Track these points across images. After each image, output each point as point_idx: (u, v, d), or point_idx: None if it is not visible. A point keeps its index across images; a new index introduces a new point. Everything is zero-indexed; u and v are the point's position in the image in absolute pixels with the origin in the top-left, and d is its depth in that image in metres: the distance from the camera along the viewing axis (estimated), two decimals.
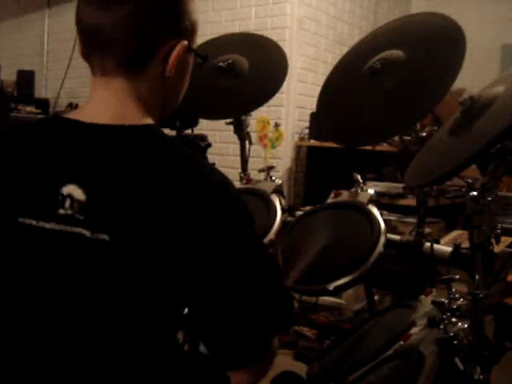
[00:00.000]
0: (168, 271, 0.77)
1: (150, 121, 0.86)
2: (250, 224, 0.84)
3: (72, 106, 4.65)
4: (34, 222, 0.80)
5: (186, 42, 0.87)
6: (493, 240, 1.17)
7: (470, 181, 1.15)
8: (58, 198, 0.79)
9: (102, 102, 0.86)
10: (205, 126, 2.96)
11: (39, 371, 0.81)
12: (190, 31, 0.88)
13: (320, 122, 1.76)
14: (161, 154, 0.81)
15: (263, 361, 0.85)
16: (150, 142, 0.82)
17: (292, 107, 3.96)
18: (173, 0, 0.86)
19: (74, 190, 0.79)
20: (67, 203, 0.78)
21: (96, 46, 0.84)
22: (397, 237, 1.50)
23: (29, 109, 4.93)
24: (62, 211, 0.79)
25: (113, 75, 0.85)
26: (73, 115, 0.85)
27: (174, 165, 0.80)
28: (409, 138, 1.44)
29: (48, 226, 0.79)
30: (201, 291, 0.79)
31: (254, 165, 1.91)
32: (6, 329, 0.84)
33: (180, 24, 0.86)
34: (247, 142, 1.85)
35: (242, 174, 1.81)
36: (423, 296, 1.26)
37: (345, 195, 1.53)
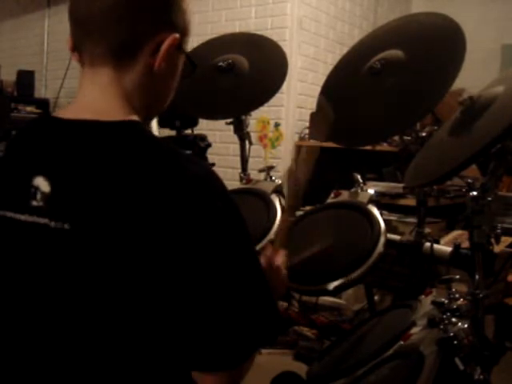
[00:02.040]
0: (134, 265, 0.74)
1: (133, 117, 0.85)
2: (231, 220, 0.80)
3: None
4: (11, 214, 0.82)
5: (177, 35, 0.85)
6: (493, 240, 1.17)
7: (470, 181, 1.15)
8: (30, 191, 0.80)
9: (86, 96, 0.86)
10: (205, 126, 2.97)
11: (8, 365, 0.82)
12: (182, 29, 0.87)
13: (320, 121, 1.76)
14: (136, 149, 0.79)
15: (236, 370, 0.79)
16: (126, 137, 0.81)
17: (292, 107, 3.96)
18: None
19: (40, 182, 0.80)
20: (38, 195, 0.80)
21: (87, 34, 0.84)
22: (397, 237, 1.50)
23: (29, 109, 4.93)
24: (34, 203, 0.80)
25: (100, 65, 0.84)
26: (60, 112, 0.86)
27: (149, 158, 0.78)
28: (409, 138, 1.44)
29: (22, 217, 0.81)
30: (172, 290, 0.75)
31: (253, 165, 1.91)
32: None
33: (172, 18, 0.85)
34: (247, 142, 1.85)
35: (241, 174, 1.81)
36: (423, 296, 1.26)
37: (345, 195, 1.53)
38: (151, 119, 0.94)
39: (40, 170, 0.81)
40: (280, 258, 1.06)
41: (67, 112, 0.85)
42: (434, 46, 1.36)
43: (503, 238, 1.56)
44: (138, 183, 0.75)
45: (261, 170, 1.74)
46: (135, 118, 0.85)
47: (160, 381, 0.81)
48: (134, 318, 0.77)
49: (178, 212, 0.74)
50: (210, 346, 0.77)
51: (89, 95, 0.86)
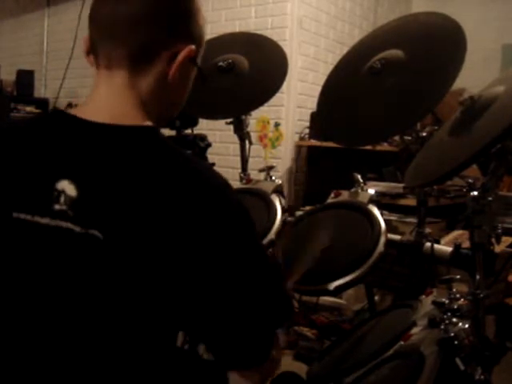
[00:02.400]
0: (162, 272, 0.76)
1: (149, 122, 0.86)
2: (249, 228, 0.84)
3: (71, 106, 4.65)
4: (28, 217, 0.80)
5: (193, 47, 0.88)
6: (493, 240, 1.17)
7: (470, 181, 1.15)
8: (52, 194, 0.79)
9: (102, 99, 0.86)
10: (205, 126, 2.96)
11: (26, 368, 0.81)
12: (197, 42, 0.90)
13: (320, 121, 1.76)
14: (158, 156, 0.81)
15: (262, 366, 0.84)
16: (150, 144, 0.82)
17: (292, 107, 3.96)
18: (188, 5, 0.88)
19: (66, 186, 0.79)
20: (62, 199, 0.79)
21: (107, 37, 0.85)
22: (397, 237, 1.50)
23: (28, 109, 4.93)
24: (57, 207, 0.79)
25: (117, 68, 0.85)
26: (73, 111, 0.86)
27: (172, 167, 0.80)
28: (409, 137, 1.44)
29: (43, 221, 0.79)
30: (196, 294, 0.78)
31: (253, 165, 1.91)
32: None
33: (190, 30, 0.88)
34: (247, 142, 1.85)
35: (242, 174, 1.81)
36: (424, 296, 1.26)
37: (345, 195, 1.53)
38: (162, 125, 0.95)
39: (64, 173, 0.80)
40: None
41: (84, 112, 0.84)
42: (434, 45, 1.36)
43: (504, 238, 1.56)
44: (161, 192, 0.77)
45: (261, 170, 1.74)
46: (150, 122, 0.86)
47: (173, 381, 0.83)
48: (159, 322, 0.79)
49: (201, 220, 0.77)
50: (230, 347, 0.82)
51: (105, 97, 0.86)
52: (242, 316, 0.80)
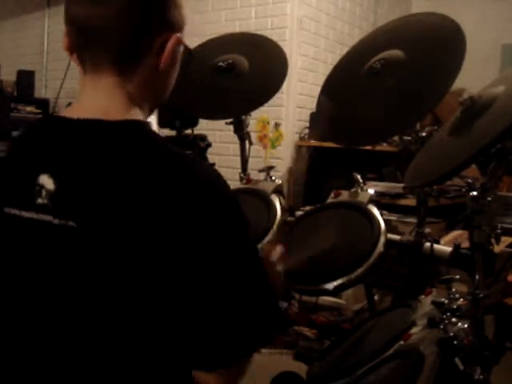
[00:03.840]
0: (139, 263, 0.75)
1: (138, 117, 0.85)
2: (238, 223, 0.81)
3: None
4: (17, 212, 0.82)
5: (179, 34, 0.86)
6: (493, 240, 1.17)
7: (470, 181, 1.15)
8: (35, 188, 0.81)
9: (90, 98, 0.86)
10: (205, 126, 2.97)
11: (13, 363, 0.82)
12: (181, 25, 0.88)
13: (320, 121, 1.76)
14: (143, 149, 0.79)
15: (235, 368, 0.81)
16: (133, 137, 0.81)
17: (292, 107, 3.96)
18: None
19: (45, 180, 0.80)
20: (43, 193, 0.80)
21: (87, 40, 0.84)
22: (397, 237, 1.50)
23: (29, 109, 4.93)
24: (39, 200, 0.80)
25: (103, 71, 0.84)
26: (64, 112, 0.86)
27: (157, 159, 0.78)
28: (409, 138, 1.44)
29: (28, 215, 0.81)
30: (181, 288, 0.76)
31: (253, 165, 1.91)
32: None
33: (173, 17, 0.86)
34: (247, 142, 1.85)
35: (241, 174, 1.81)
36: (423, 296, 1.26)
37: (345, 195, 1.53)
38: (153, 111, 0.95)
39: (45, 167, 0.81)
40: (276, 254, 1.08)
41: (71, 112, 0.85)
42: (434, 45, 1.36)
43: (503, 238, 1.56)
44: (143, 183, 0.76)
45: (261, 170, 1.74)
46: (140, 116, 0.86)
47: (159, 380, 0.81)
48: (135, 315, 0.77)
49: (183, 213, 0.75)
50: (210, 345, 0.78)
51: (93, 98, 0.85)
52: (220, 318, 0.77)
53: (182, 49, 0.91)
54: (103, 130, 0.81)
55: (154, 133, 0.85)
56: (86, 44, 0.84)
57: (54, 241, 0.79)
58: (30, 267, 0.82)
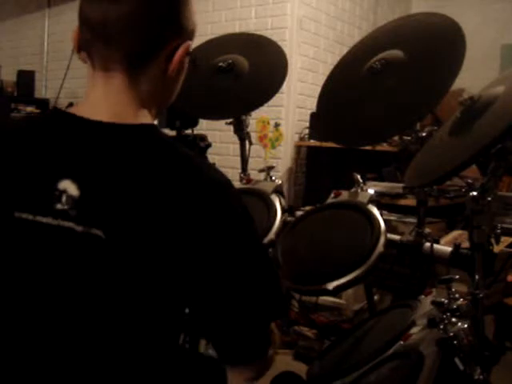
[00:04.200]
0: (164, 268, 0.77)
1: (148, 120, 0.86)
2: (249, 224, 0.84)
3: (72, 106, 4.64)
4: (30, 217, 0.80)
5: (190, 42, 0.88)
6: (493, 240, 1.17)
7: (469, 181, 1.15)
8: (54, 193, 0.79)
9: (100, 99, 0.85)
10: (205, 126, 2.97)
11: (28, 366, 0.82)
12: (191, 34, 0.90)
13: (320, 121, 1.76)
14: (159, 154, 0.81)
15: (257, 362, 0.86)
16: (149, 142, 0.82)
17: (292, 107, 3.96)
18: (181, 1, 0.87)
19: (68, 185, 0.79)
20: (63, 198, 0.79)
21: (100, 40, 0.83)
22: (397, 237, 1.50)
23: (29, 109, 4.92)
24: (59, 206, 0.79)
25: (114, 70, 0.84)
26: (73, 110, 0.86)
27: (172, 164, 0.80)
28: (409, 138, 1.44)
29: (45, 220, 0.79)
30: (198, 290, 0.79)
31: (253, 165, 1.91)
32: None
33: (185, 25, 0.87)
34: (247, 142, 1.85)
35: (242, 174, 1.81)
36: (423, 296, 1.26)
37: (345, 195, 1.53)
38: (159, 115, 0.96)
39: (66, 172, 0.80)
40: None
41: (81, 111, 0.84)
42: (434, 46, 1.36)
43: (503, 238, 1.56)
44: (165, 188, 0.78)
45: (261, 170, 1.74)
46: (149, 120, 0.87)
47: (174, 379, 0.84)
48: (159, 319, 0.80)
49: (202, 216, 0.78)
50: (231, 343, 0.83)
51: (103, 98, 0.85)
52: (241, 311, 0.81)
53: (187, 57, 0.91)
54: (121, 135, 0.82)
55: (167, 136, 0.86)
56: (97, 42, 0.84)
57: (75, 247, 0.78)
58: (44, 272, 0.80)
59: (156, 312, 0.79)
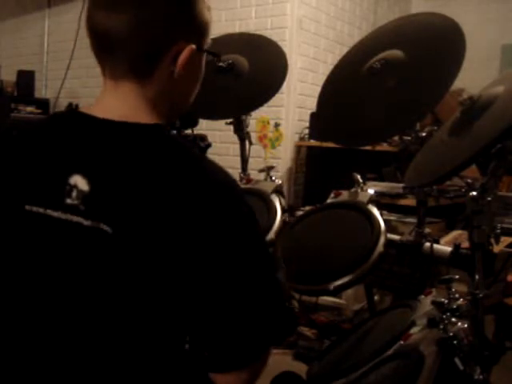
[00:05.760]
0: (169, 267, 0.77)
1: (158, 120, 0.86)
2: (254, 225, 0.84)
3: (72, 106, 4.64)
4: (41, 210, 0.81)
5: (193, 46, 0.87)
6: (493, 240, 1.17)
7: (469, 181, 1.15)
8: (65, 188, 0.80)
9: (110, 103, 0.86)
10: (205, 126, 2.96)
11: (32, 363, 0.82)
12: (200, 32, 0.89)
13: (320, 122, 1.76)
14: (167, 153, 0.81)
15: (253, 366, 0.83)
16: (158, 141, 0.83)
17: (292, 107, 3.96)
18: (182, 2, 0.86)
19: (79, 181, 0.80)
20: (74, 193, 0.79)
21: (104, 49, 0.84)
22: (397, 237, 1.50)
23: (29, 109, 4.92)
24: (69, 201, 0.80)
25: (121, 78, 0.85)
26: (83, 110, 0.86)
27: (180, 163, 0.81)
28: (409, 138, 1.45)
29: (55, 214, 0.80)
30: (202, 291, 0.79)
31: (253, 165, 1.91)
32: (6, 317, 0.85)
33: (189, 26, 0.87)
34: (247, 142, 1.85)
35: (241, 174, 1.81)
36: (423, 296, 1.26)
37: (345, 195, 1.53)
38: (175, 118, 0.96)
39: (77, 167, 0.81)
40: None
41: (93, 112, 0.85)
42: (434, 46, 1.36)
43: (503, 238, 1.56)
44: (173, 187, 0.78)
45: (261, 170, 1.74)
46: (159, 121, 0.87)
47: (174, 381, 0.83)
48: (162, 317, 0.80)
49: (208, 216, 0.78)
50: (224, 347, 0.80)
51: (112, 102, 0.86)
52: (239, 314, 0.80)
53: (203, 55, 0.92)
54: (131, 133, 0.82)
55: (176, 136, 0.86)
56: (102, 50, 0.85)
57: (82, 242, 0.79)
58: (52, 267, 0.81)
59: (159, 310, 0.79)
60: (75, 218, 0.79)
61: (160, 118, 0.87)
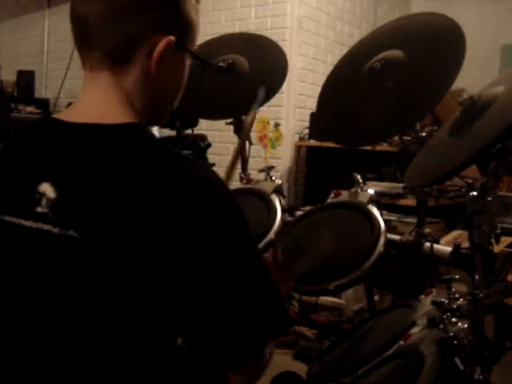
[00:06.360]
0: (146, 270, 0.74)
1: (134, 119, 0.84)
2: (239, 224, 0.80)
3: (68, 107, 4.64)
4: (13, 219, 0.81)
5: (171, 38, 0.83)
6: (493, 240, 1.17)
7: (469, 181, 1.15)
8: (35, 196, 0.79)
9: (88, 100, 0.85)
10: (205, 126, 2.97)
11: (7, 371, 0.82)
12: (182, 28, 0.86)
13: (320, 122, 1.76)
14: (142, 152, 0.78)
15: (254, 364, 0.81)
16: (133, 141, 0.80)
17: (292, 107, 3.96)
18: None
19: (47, 188, 0.79)
20: (43, 201, 0.79)
21: (83, 37, 0.84)
22: (397, 237, 1.50)
23: (29, 109, 4.92)
24: (39, 209, 0.79)
25: (98, 69, 0.84)
26: (62, 114, 0.86)
27: (156, 162, 0.77)
28: (409, 138, 1.44)
29: (27, 223, 0.80)
30: (183, 292, 0.75)
31: (253, 165, 1.91)
32: None
33: (170, 19, 0.84)
34: (247, 142, 1.85)
35: (241, 174, 1.81)
36: (423, 296, 1.26)
37: (345, 195, 1.53)
38: (159, 121, 0.94)
39: (45, 175, 0.80)
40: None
41: (69, 114, 0.84)
42: (434, 46, 1.36)
43: (503, 238, 1.56)
44: (144, 189, 0.75)
45: (261, 170, 1.74)
46: (137, 119, 0.84)
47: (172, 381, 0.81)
48: (140, 322, 0.77)
49: (186, 216, 0.74)
50: (225, 344, 0.78)
51: (90, 98, 0.85)
52: (226, 314, 0.77)
53: (185, 55, 0.88)
54: (102, 134, 0.80)
55: (151, 134, 0.84)
56: (82, 42, 0.85)
57: (53, 250, 0.78)
58: (27, 276, 0.80)
59: (139, 311, 0.76)
60: (45, 226, 0.78)
61: (138, 116, 0.85)
